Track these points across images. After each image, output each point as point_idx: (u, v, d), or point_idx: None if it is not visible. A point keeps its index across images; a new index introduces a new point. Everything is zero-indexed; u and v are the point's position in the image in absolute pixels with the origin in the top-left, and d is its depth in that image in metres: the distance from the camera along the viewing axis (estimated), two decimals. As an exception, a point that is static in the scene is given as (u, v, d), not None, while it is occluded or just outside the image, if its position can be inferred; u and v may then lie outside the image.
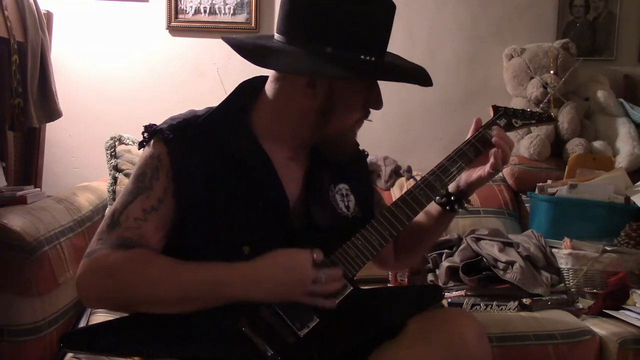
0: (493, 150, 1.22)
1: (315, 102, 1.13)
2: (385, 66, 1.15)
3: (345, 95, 1.13)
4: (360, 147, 1.39)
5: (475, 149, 1.24)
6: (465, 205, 1.29)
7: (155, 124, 1.16)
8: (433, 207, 1.31)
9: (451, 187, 1.29)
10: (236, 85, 1.23)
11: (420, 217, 1.30)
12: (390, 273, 1.95)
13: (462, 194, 1.29)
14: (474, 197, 2.22)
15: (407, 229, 1.26)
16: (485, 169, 1.23)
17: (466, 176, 1.27)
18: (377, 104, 1.17)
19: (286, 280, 1.07)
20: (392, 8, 1.14)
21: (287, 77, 1.14)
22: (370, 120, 1.21)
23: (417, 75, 1.18)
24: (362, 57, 1.10)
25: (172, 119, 1.17)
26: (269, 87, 1.18)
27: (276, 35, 1.15)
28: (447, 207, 1.29)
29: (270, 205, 1.14)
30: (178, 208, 1.10)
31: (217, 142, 1.14)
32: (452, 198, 1.28)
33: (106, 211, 1.91)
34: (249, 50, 1.13)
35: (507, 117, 1.31)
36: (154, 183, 1.10)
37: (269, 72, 1.19)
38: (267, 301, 1.08)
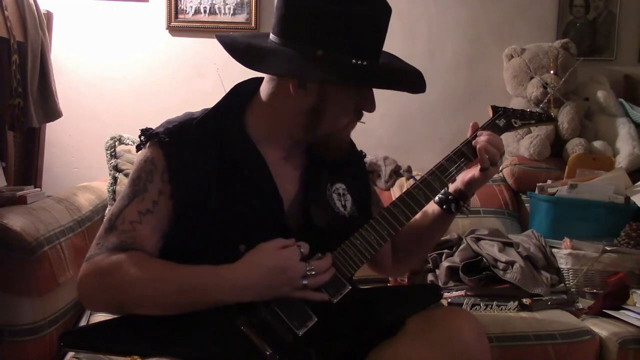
0: (477, 148, 1.22)
1: (306, 102, 1.13)
2: (377, 71, 1.14)
3: (336, 97, 1.13)
4: (360, 148, 1.40)
5: (474, 148, 1.24)
6: (464, 208, 1.29)
7: (151, 128, 1.17)
8: (432, 208, 1.31)
9: (451, 188, 1.29)
10: (233, 86, 1.24)
11: (418, 218, 1.30)
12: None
13: (461, 196, 1.29)
14: (473, 197, 2.23)
15: (405, 231, 1.26)
16: (477, 169, 1.24)
17: (462, 176, 1.27)
18: (370, 106, 1.17)
19: (275, 279, 1.06)
20: (387, 11, 1.13)
21: (279, 77, 1.15)
22: (364, 122, 1.21)
23: (409, 81, 1.18)
24: (354, 61, 1.10)
25: (168, 122, 1.19)
26: (263, 88, 1.19)
27: (271, 36, 1.16)
28: (444, 207, 1.29)
29: (265, 204, 1.15)
30: (175, 209, 1.11)
31: (212, 143, 1.15)
32: (449, 197, 1.28)
33: (105, 212, 1.92)
34: (240, 50, 1.13)
35: (506, 117, 1.31)
36: (148, 186, 1.12)
37: (265, 75, 1.19)
38: (258, 300, 1.07)
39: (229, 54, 1.12)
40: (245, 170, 1.15)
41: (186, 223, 1.12)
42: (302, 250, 1.09)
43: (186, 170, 1.12)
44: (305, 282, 1.08)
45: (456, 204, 1.28)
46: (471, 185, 1.28)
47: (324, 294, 1.10)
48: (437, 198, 1.30)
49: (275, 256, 1.08)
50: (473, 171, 1.26)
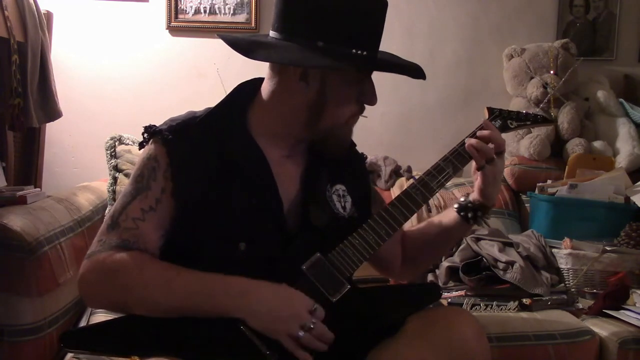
0: (466, 146, 1.22)
1: (308, 95, 1.14)
2: (376, 60, 1.16)
3: (338, 88, 1.14)
4: (360, 147, 1.40)
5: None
6: (480, 219, 1.29)
7: (155, 125, 1.18)
8: (450, 215, 1.31)
9: (471, 197, 1.29)
10: (235, 86, 1.24)
11: (435, 224, 1.32)
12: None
13: (481, 207, 1.28)
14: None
15: (418, 235, 1.29)
16: (478, 172, 1.24)
17: (475, 184, 1.26)
18: (371, 98, 1.18)
19: (276, 308, 1.05)
20: (385, 4, 1.15)
21: (280, 73, 1.16)
22: (365, 117, 1.22)
23: (409, 69, 1.19)
24: (354, 51, 1.11)
25: (171, 120, 1.19)
26: (265, 86, 1.19)
27: (271, 33, 1.17)
28: (461, 214, 1.29)
29: (265, 203, 1.15)
30: (177, 206, 1.12)
31: (214, 141, 1.16)
32: (468, 205, 1.28)
33: (106, 212, 1.93)
34: (242, 45, 1.14)
35: (502, 118, 1.32)
36: (151, 183, 1.12)
37: (267, 73, 1.20)
38: (249, 322, 1.05)
39: (231, 48, 1.13)
40: (246, 169, 1.16)
41: (187, 221, 1.12)
42: (315, 308, 1.07)
43: (188, 168, 1.13)
44: (300, 333, 1.05)
45: (474, 212, 1.28)
46: (482, 191, 1.26)
47: (309, 357, 1.06)
48: (456, 205, 1.30)
49: (290, 292, 1.07)
50: (477, 175, 1.26)
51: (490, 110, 1.33)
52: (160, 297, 1.05)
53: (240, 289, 1.06)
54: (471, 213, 1.28)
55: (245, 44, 1.15)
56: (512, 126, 1.32)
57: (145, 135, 1.17)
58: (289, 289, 1.08)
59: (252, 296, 1.05)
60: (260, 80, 1.22)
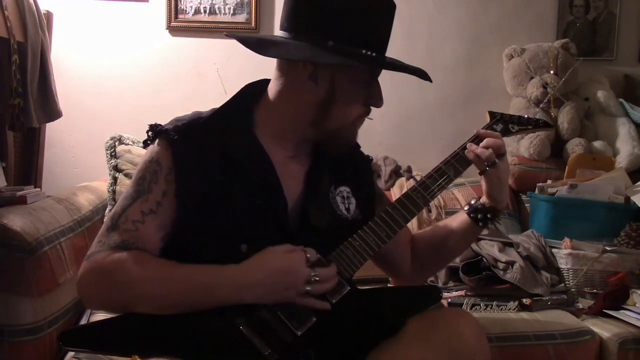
0: (466, 153, 1.24)
1: (317, 95, 1.14)
2: (385, 61, 1.17)
3: (346, 88, 1.14)
4: (362, 149, 1.40)
5: None
6: (489, 223, 1.30)
7: (160, 124, 1.18)
8: (461, 218, 1.32)
9: (482, 199, 1.30)
10: (236, 86, 1.25)
11: (446, 227, 1.33)
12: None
13: (492, 210, 1.29)
14: (472, 196, 2.22)
15: (429, 239, 1.30)
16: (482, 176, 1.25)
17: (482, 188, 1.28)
18: (377, 100, 1.18)
19: (278, 281, 1.06)
20: (392, 7, 1.17)
21: (289, 72, 1.16)
22: (371, 119, 1.22)
23: (415, 71, 1.19)
24: (364, 51, 1.12)
25: (177, 120, 1.19)
26: (272, 86, 1.20)
27: (280, 32, 1.18)
28: (471, 215, 1.29)
29: (269, 205, 1.15)
30: (180, 208, 1.12)
31: (218, 142, 1.16)
32: (479, 207, 1.29)
33: (106, 212, 1.93)
34: (252, 42, 1.15)
35: (503, 122, 1.33)
36: (152, 186, 1.12)
37: (272, 75, 1.20)
38: (260, 302, 1.07)
39: (242, 44, 1.14)
40: (249, 169, 1.16)
41: (189, 222, 1.12)
42: (308, 255, 1.08)
43: (192, 168, 1.13)
44: (308, 288, 1.07)
45: (483, 215, 1.29)
46: (489, 194, 1.27)
47: (326, 303, 1.09)
48: (466, 207, 1.31)
49: (280, 259, 1.08)
50: (482, 179, 1.27)
51: (492, 114, 1.34)
52: (160, 292, 1.05)
53: (235, 279, 1.06)
54: (481, 215, 1.29)
55: (255, 41, 1.16)
56: (514, 130, 1.33)
57: (150, 133, 1.17)
58: (277, 255, 1.08)
59: (247, 282, 1.05)
60: (267, 81, 1.23)
